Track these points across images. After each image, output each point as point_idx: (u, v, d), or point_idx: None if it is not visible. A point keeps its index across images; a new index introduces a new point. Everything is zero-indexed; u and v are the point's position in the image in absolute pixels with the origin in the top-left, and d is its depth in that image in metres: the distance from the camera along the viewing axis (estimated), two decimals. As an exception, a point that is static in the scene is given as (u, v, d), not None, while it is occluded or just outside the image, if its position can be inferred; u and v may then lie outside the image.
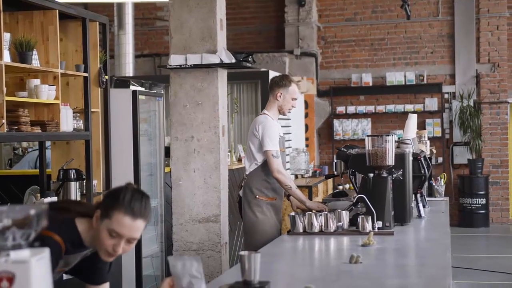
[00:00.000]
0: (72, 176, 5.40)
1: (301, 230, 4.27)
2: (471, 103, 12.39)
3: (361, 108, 12.87)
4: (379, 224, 4.28)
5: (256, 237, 5.15)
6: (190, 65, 5.84)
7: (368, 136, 4.45)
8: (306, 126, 12.40)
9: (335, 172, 5.16)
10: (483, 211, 12.30)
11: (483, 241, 11.53)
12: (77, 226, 2.68)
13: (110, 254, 2.63)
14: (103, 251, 2.63)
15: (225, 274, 3.10)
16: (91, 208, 2.72)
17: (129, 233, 2.58)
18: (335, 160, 5.13)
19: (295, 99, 5.31)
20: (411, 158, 4.69)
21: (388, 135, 4.41)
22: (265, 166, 5.15)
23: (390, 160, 4.39)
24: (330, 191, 10.55)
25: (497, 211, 12.63)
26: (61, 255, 2.63)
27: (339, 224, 4.28)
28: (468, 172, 12.48)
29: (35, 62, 4.88)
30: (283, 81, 5.30)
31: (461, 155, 12.62)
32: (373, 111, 12.80)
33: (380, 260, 3.50)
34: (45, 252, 1.76)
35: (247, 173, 5.29)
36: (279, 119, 5.43)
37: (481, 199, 12.27)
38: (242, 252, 2.72)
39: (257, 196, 5.19)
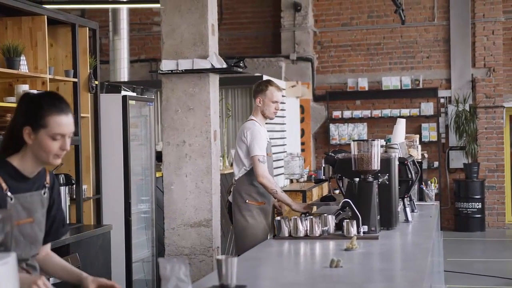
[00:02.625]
0: (62, 181, 5.41)
1: (286, 235, 4.28)
2: (467, 108, 12.40)
3: (357, 113, 12.89)
4: (364, 228, 4.29)
5: (246, 242, 5.18)
6: (182, 70, 5.86)
7: (354, 141, 4.46)
8: (302, 131, 12.41)
9: (323, 176, 5.18)
10: (479, 216, 12.31)
11: (479, 245, 11.53)
12: (10, 162, 2.72)
13: (58, 156, 2.72)
14: (51, 157, 2.71)
15: (204, 279, 3.11)
16: (13, 141, 2.73)
17: (69, 129, 2.72)
18: (323, 165, 5.15)
19: (276, 102, 5.37)
20: (397, 162, 4.70)
21: (374, 140, 4.42)
22: (254, 171, 5.20)
23: (376, 165, 4.40)
24: (326, 196, 10.56)
25: (493, 215, 12.63)
26: (3, 191, 2.63)
27: (324, 228, 4.29)
28: (464, 176, 12.48)
29: (23, 67, 4.91)
30: (260, 86, 5.42)
31: (457, 160, 12.63)
32: (369, 115, 12.82)
33: (361, 264, 3.51)
34: (11, 257, 1.78)
35: (236, 178, 5.37)
36: (267, 123, 5.48)
37: (477, 203, 12.27)
38: (219, 256, 2.74)
39: (247, 201, 5.25)
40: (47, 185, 2.84)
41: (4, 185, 2.65)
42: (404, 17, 10.22)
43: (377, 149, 4.41)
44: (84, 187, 5.74)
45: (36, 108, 2.67)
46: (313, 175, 10.88)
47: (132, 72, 11.67)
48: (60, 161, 2.78)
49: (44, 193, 2.82)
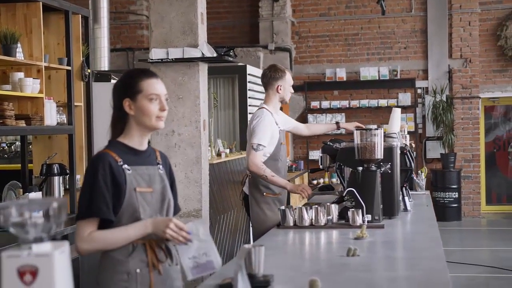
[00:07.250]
0: (56, 171, 5.32)
1: (291, 224, 4.27)
2: (444, 98, 12.51)
3: (335, 103, 12.93)
4: (368, 217, 4.29)
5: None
6: (172, 59, 5.79)
7: (357, 129, 4.45)
8: (281, 121, 12.38)
9: (320, 166, 5.15)
10: (455, 205, 12.45)
11: (456, 234, 11.66)
12: (119, 141, 2.89)
13: (160, 117, 2.86)
14: (154, 120, 2.85)
15: (225, 267, 3.08)
16: (119, 121, 2.90)
17: (162, 89, 2.89)
18: (320, 154, 5.12)
19: (291, 85, 5.40)
20: (398, 151, 4.72)
21: (377, 129, 4.42)
22: (269, 162, 5.09)
23: (379, 154, 4.40)
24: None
25: (469, 205, 12.79)
26: (112, 160, 2.79)
27: (329, 217, 4.28)
28: (441, 166, 12.61)
29: (19, 55, 4.81)
30: (278, 73, 5.30)
31: (434, 150, 12.75)
32: (347, 106, 12.86)
33: (375, 252, 3.51)
34: (66, 246, 1.74)
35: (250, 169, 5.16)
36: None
37: (454, 193, 12.41)
38: (246, 245, 2.71)
39: (265, 194, 5.15)
40: (159, 162, 2.96)
41: (118, 159, 2.81)
42: (385, 7, 10.25)
43: (380, 138, 4.41)
44: (78, 176, 5.65)
45: (128, 80, 2.89)
46: (293, 165, 10.89)
47: (109, 62, 11.52)
48: (163, 124, 2.91)
49: (160, 169, 2.94)
